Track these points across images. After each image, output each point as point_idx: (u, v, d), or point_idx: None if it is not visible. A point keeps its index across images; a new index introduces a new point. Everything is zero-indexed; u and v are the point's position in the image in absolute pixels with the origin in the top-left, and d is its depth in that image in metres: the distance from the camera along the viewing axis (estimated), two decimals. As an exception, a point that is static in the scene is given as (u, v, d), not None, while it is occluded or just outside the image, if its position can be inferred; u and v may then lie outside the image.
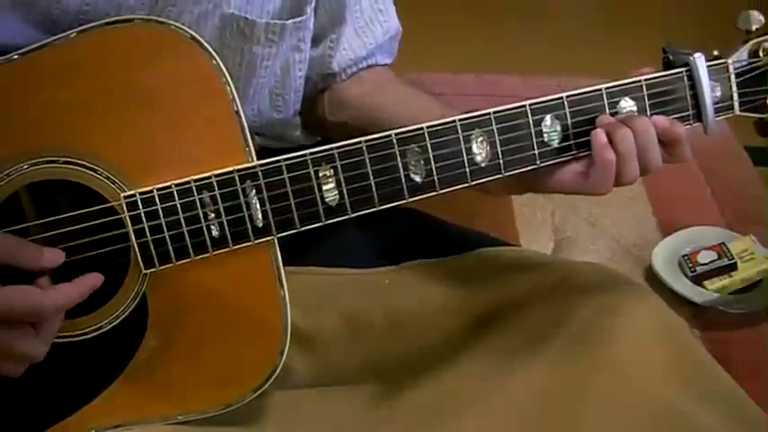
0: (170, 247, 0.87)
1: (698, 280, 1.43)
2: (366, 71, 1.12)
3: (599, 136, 0.90)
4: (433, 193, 0.91)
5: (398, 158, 0.89)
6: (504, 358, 0.96)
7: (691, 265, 1.44)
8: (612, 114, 0.93)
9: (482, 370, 0.96)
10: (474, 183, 0.91)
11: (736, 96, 0.97)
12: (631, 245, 1.53)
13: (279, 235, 0.89)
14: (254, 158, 0.87)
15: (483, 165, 0.91)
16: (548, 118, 0.92)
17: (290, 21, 1.00)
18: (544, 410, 0.92)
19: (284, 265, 0.90)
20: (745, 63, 0.97)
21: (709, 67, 0.95)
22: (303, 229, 0.89)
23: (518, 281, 1.04)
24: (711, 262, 1.44)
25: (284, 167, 0.87)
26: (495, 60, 2.61)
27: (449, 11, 2.84)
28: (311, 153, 0.88)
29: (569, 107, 0.92)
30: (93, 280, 0.86)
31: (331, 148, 0.88)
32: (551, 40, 2.84)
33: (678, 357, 0.95)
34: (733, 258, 1.43)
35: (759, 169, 1.74)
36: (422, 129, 0.89)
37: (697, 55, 0.94)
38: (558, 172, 0.94)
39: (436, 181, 0.90)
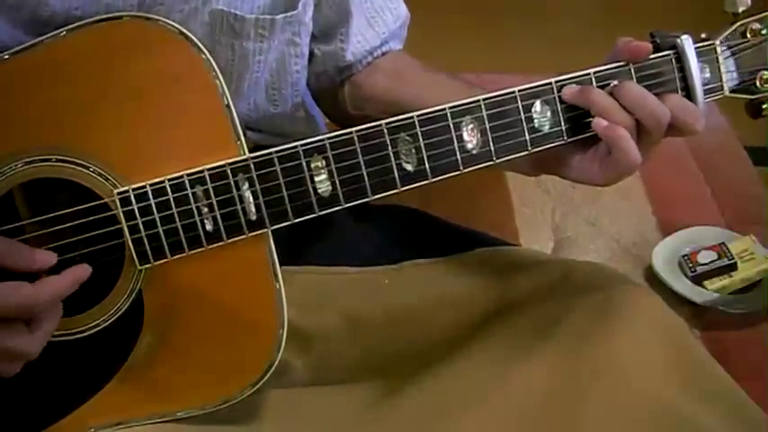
0: (164, 243, 0.87)
1: (698, 280, 1.43)
2: (382, 59, 1.13)
3: (599, 122, 0.90)
4: (426, 182, 0.90)
5: (389, 147, 0.89)
6: (504, 358, 0.95)
7: (691, 265, 1.44)
8: None
9: (482, 370, 0.95)
10: (466, 170, 0.91)
11: (725, 77, 0.96)
12: (631, 245, 1.53)
13: (273, 227, 0.88)
14: (246, 152, 0.87)
15: (474, 152, 0.91)
16: (537, 103, 0.91)
17: (281, 15, 1.00)
18: (544, 410, 0.92)
19: (284, 264, 0.90)
20: (732, 44, 0.96)
21: (696, 48, 0.94)
22: (297, 221, 0.89)
23: (518, 280, 1.04)
24: (711, 262, 1.44)
25: (276, 159, 0.87)
26: (495, 60, 2.61)
27: (449, 11, 2.84)
28: (302, 144, 0.87)
29: (558, 92, 0.92)
30: (82, 271, 0.86)
31: (322, 139, 0.88)
32: (551, 40, 2.84)
33: (678, 357, 0.95)
34: (733, 258, 1.43)
35: (759, 169, 1.74)
36: (412, 117, 0.89)
37: (684, 37, 0.94)
38: (582, 165, 0.94)
39: (428, 169, 0.90)
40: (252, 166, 0.87)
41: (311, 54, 1.08)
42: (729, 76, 0.97)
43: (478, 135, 0.90)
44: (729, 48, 0.96)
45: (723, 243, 1.46)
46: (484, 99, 0.90)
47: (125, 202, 0.86)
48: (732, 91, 0.97)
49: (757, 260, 1.44)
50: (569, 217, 1.58)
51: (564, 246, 1.53)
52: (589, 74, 0.92)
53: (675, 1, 3.16)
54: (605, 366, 0.93)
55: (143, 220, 0.86)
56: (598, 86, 0.92)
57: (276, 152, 0.87)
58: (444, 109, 0.89)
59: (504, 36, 2.83)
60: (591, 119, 0.91)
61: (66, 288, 0.84)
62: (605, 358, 0.93)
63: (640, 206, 1.60)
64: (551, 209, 1.59)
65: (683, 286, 1.42)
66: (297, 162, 0.87)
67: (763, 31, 0.97)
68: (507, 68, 2.10)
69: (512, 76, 1.86)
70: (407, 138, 0.89)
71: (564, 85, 0.92)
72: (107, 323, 0.89)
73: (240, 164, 0.87)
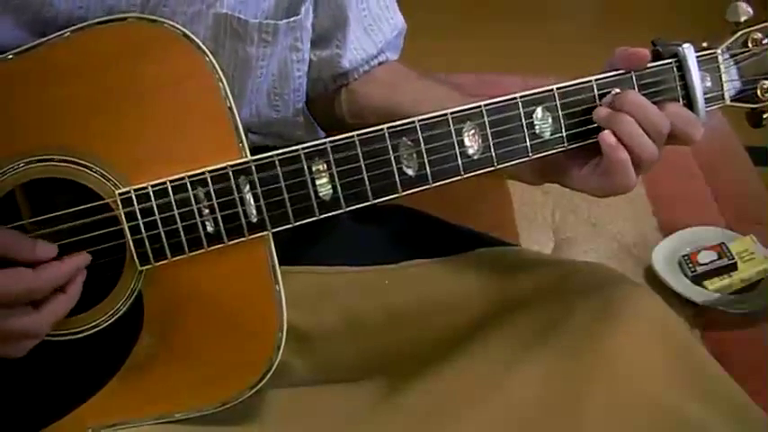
0: (165, 244, 0.87)
1: (698, 280, 1.43)
2: (379, 69, 1.13)
3: (607, 138, 0.90)
4: (427, 187, 0.91)
5: (391, 152, 0.89)
6: (504, 358, 0.96)
7: (691, 265, 1.44)
8: None
9: (482, 370, 0.96)
10: (467, 176, 0.91)
11: (726, 86, 0.97)
12: (631, 245, 1.53)
13: (273, 230, 0.88)
14: (248, 154, 0.87)
15: (475, 157, 0.91)
16: (539, 110, 0.92)
17: (284, 21, 1.00)
18: (544, 411, 0.92)
19: (284, 264, 0.90)
20: (734, 53, 0.97)
21: (698, 57, 0.95)
22: (297, 223, 0.89)
23: (518, 281, 1.04)
24: (711, 262, 1.44)
25: (277, 162, 0.87)
26: (495, 60, 2.61)
27: (448, 11, 2.84)
28: (304, 148, 0.87)
29: (560, 99, 0.92)
30: (82, 258, 0.86)
31: (324, 143, 0.88)
32: (551, 40, 2.84)
33: (678, 357, 0.95)
34: (733, 258, 1.43)
35: (759, 169, 1.74)
36: (413, 122, 0.89)
37: (686, 45, 0.94)
38: (581, 174, 0.95)
39: (429, 174, 0.90)
40: (253, 168, 0.87)
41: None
42: (730, 85, 0.97)
43: (480, 140, 0.91)
44: (731, 56, 0.97)
45: (723, 243, 1.46)
46: (485, 105, 0.90)
47: (126, 202, 0.86)
48: (733, 100, 0.98)
49: (757, 260, 1.44)
50: (569, 217, 1.58)
51: (564, 246, 1.53)
52: (591, 81, 0.93)
53: (675, 2, 3.16)
54: (605, 367, 0.93)
55: (144, 220, 0.86)
56: (600, 94, 0.92)
57: (278, 155, 0.87)
58: (446, 114, 0.90)
59: (504, 36, 2.83)
60: (592, 126, 0.92)
61: (65, 273, 0.85)
62: (605, 359, 0.93)
63: (640, 206, 1.60)
64: (551, 209, 1.59)
65: (683, 286, 1.42)
66: (298, 165, 0.87)
67: (765, 41, 0.97)
68: (507, 68, 2.10)
69: (511, 77, 1.86)
70: (409, 142, 0.89)
71: (565, 92, 0.92)
72: (107, 323, 0.89)
73: (242, 166, 0.87)
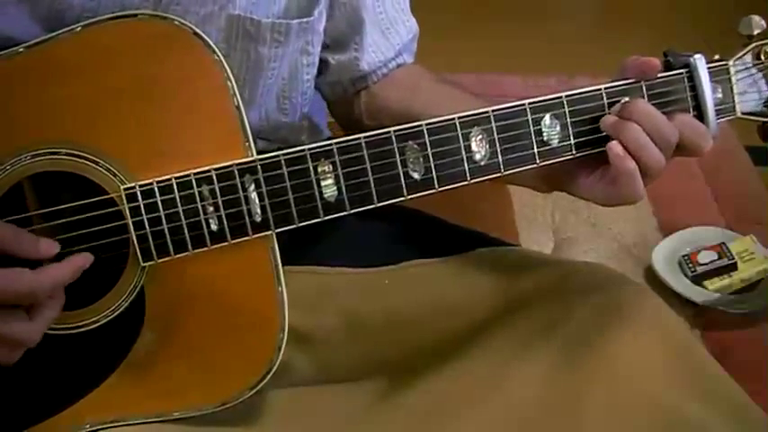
0: (168, 240, 0.87)
1: (698, 280, 1.44)
2: (398, 71, 1.13)
3: (614, 148, 0.89)
4: (432, 191, 0.91)
5: (397, 155, 0.89)
6: (505, 358, 0.96)
7: (691, 265, 1.44)
8: None
9: (482, 370, 0.96)
10: (473, 181, 0.91)
11: (737, 98, 0.96)
12: (631, 245, 1.54)
13: (277, 230, 0.88)
14: (254, 153, 0.87)
15: (482, 163, 0.91)
16: (547, 117, 0.92)
17: (296, 21, 1.00)
18: (544, 411, 0.92)
19: (285, 263, 0.90)
20: (746, 66, 0.97)
21: (709, 68, 0.94)
22: (301, 224, 0.89)
23: (518, 281, 1.04)
24: (711, 262, 1.45)
25: (283, 162, 0.87)
26: (495, 60, 2.61)
27: (448, 11, 2.84)
28: (310, 148, 0.87)
29: (568, 107, 0.92)
30: (84, 259, 0.86)
31: (330, 144, 0.88)
32: (551, 40, 2.84)
33: (678, 357, 0.95)
34: (733, 258, 1.44)
35: (759, 169, 1.75)
36: (420, 126, 0.89)
37: (697, 56, 0.94)
38: (588, 182, 0.94)
39: (435, 178, 0.90)
40: (259, 167, 0.87)
41: (326, 64, 1.09)
42: (742, 98, 0.97)
43: (487, 146, 0.91)
44: (743, 69, 0.96)
45: (723, 243, 1.47)
46: (493, 110, 0.90)
47: (131, 197, 0.86)
48: (744, 113, 0.97)
49: (757, 260, 1.45)
50: (569, 217, 1.58)
51: (564, 246, 1.53)
52: (600, 89, 0.92)
53: (675, 2, 3.16)
54: (606, 367, 0.93)
55: (148, 216, 0.86)
56: (609, 102, 0.92)
57: (284, 155, 0.87)
58: (453, 119, 0.90)
59: (504, 36, 2.82)
60: (600, 134, 0.92)
61: (66, 275, 0.84)
62: (605, 359, 0.93)
63: (641, 206, 1.60)
64: (551, 210, 1.59)
65: (683, 286, 1.42)
66: (304, 166, 0.87)
67: (779, 54, 0.97)
68: (507, 68, 2.10)
69: (511, 77, 1.86)
70: (415, 146, 0.89)
71: (573, 99, 0.92)
72: (108, 319, 0.88)
73: (248, 165, 0.87)
